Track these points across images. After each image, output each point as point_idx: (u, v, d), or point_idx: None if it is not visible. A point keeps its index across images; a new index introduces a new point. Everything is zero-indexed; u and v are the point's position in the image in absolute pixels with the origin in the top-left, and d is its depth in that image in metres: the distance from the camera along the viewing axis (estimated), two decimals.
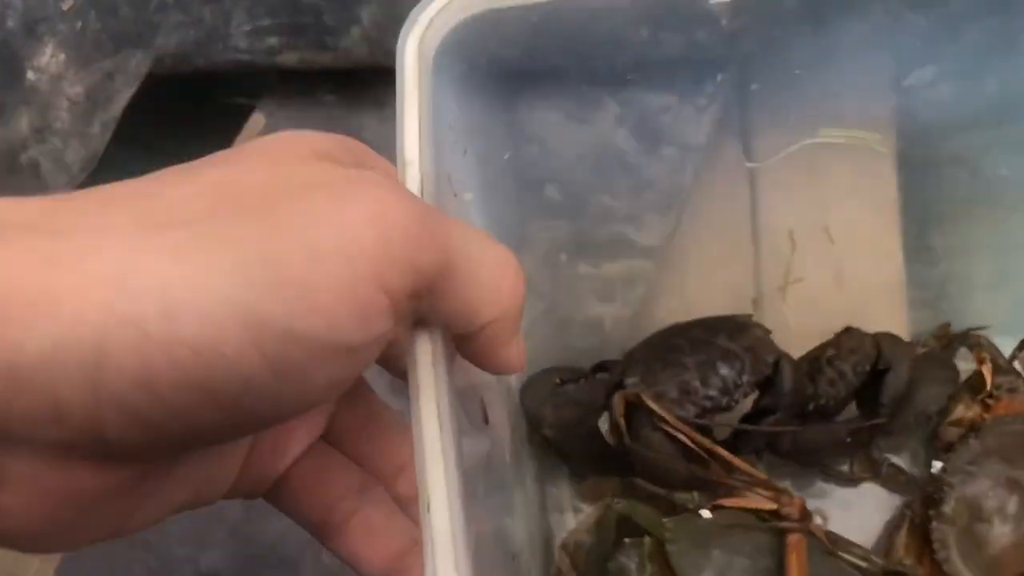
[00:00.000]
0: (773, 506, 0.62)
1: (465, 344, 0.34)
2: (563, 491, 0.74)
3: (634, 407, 0.66)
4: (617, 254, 0.67)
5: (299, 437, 0.38)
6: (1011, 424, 0.70)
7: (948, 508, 0.66)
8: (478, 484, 0.45)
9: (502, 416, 0.63)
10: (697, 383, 0.65)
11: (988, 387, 0.73)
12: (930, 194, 0.70)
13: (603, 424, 0.68)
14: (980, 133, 0.66)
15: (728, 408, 0.65)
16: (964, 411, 0.74)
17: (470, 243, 0.31)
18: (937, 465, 0.71)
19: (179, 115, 0.87)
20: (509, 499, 0.60)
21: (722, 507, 0.63)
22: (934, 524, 0.66)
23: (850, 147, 0.66)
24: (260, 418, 0.28)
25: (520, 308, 0.34)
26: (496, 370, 0.37)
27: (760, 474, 0.65)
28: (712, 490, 0.66)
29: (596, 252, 0.67)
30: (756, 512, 0.62)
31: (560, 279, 0.67)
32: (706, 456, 0.64)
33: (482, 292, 0.32)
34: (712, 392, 0.65)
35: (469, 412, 0.42)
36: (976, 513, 0.66)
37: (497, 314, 0.33)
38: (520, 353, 0.36)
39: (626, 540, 0.60)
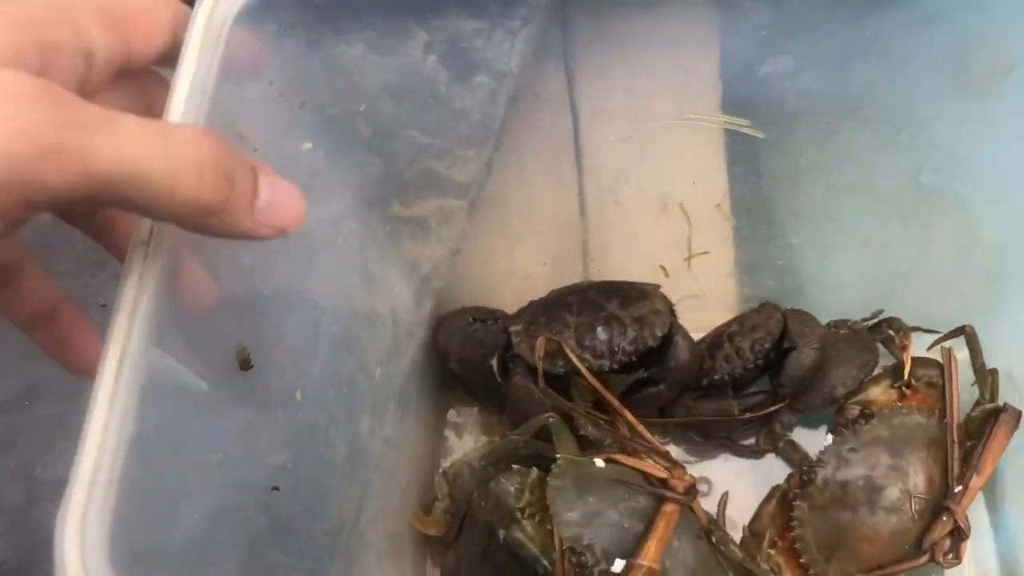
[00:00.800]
0: (664, 475, 0.64)
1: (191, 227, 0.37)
2: (468, 420, 0.78)
3: (516, 356, 0.70)
4: (428, 193, 0.66)
5: None
6: (910, 416, 0.69)
7: (813, 489, 0.67)
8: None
9: (383, 343, 0.67)
10: (573, 343, 0.67)
11: (905, 375, 0.72)
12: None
13: (495, 363, 0.72)
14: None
15: (602, 372, 0.67)
16: (879, 394, 0.73)
17: (127, 154, 0.32)
18: (829, 441, 0.70)
19: None
20: (369, 407, 0.65)
21: (616, 462, 0.65)
22: (797, 502, 0.67)
23: (669, 73, 0.64)
24: None
25: (220, 199, 0.35)
26: (243, 239, 0.38)
27: (657, 443, 0.67)
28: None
29: (406, 191, 0.66)
30: (647, 476, 0.64)
31: (373, 220, 0.66)
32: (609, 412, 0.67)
33: (153, 197, 0.33)
34: (585, 354, 0.67)
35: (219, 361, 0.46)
36: (839, 498, 0.66)
37: (183, 212, 0.34)
38: (255, 222, 0.37)
39: (514, 466, 0.62)
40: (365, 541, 0.63)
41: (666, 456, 0.66)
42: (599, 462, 0.65)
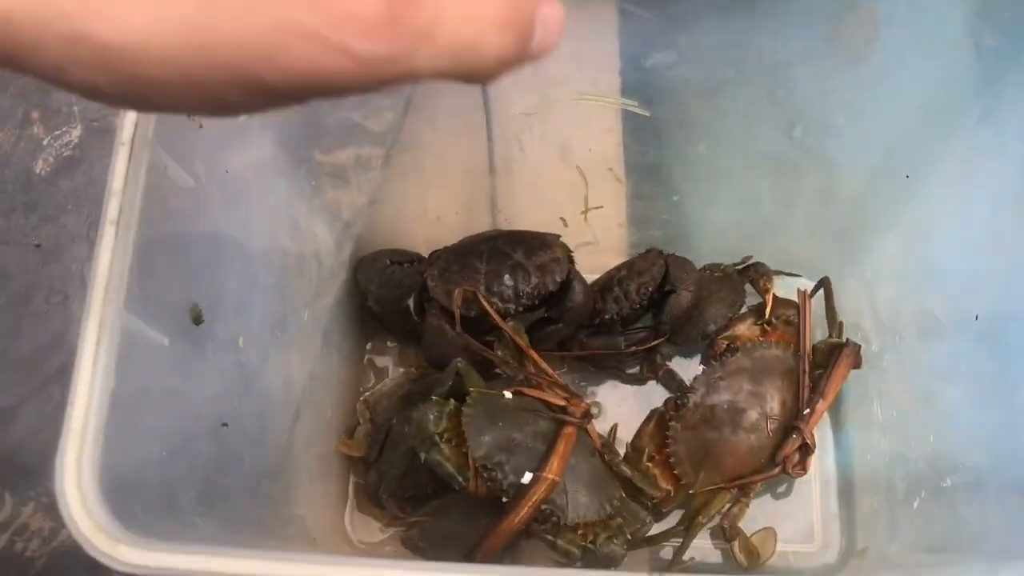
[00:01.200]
0: (563, 403, 0.73)
1: None
2: (386, 353, 0.86)
3: (431, 298, 0.77)
4: (347, 142, 0.71)
5: None
6: (769, 349, 0.80)
7: (685, 411, 0.78)
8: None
9: (310, 287, 0.74)
10: (482, 288, 0.75)
11: (767, 315, 0.83)
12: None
13: (411, 303, 0.79)
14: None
15: (508, 314, 0.76)
16: (745, 330, 0.84)
17: None
18: (701, 371, 0.81)
19: None
20: (298, 345, 0.72)
21: (522, 393, 0.74)
22: (672, 423, 0.78)
23: (575, 44, 0.67)
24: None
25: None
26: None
27: (556, 376, 0.76)
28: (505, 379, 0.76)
29: (327, 140, 0.70)
30: (548, 404, 0.73)
31: (300, 176, 0.71)
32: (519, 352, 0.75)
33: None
34: (494, 299, 0.75)
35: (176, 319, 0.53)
36: (707, 419, 0.77)
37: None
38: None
39: (434, 396, 0.71)
40: (298, 464, 0.71)
41: (565, 387, 0.76)
42: (508, 394, 0.74)
